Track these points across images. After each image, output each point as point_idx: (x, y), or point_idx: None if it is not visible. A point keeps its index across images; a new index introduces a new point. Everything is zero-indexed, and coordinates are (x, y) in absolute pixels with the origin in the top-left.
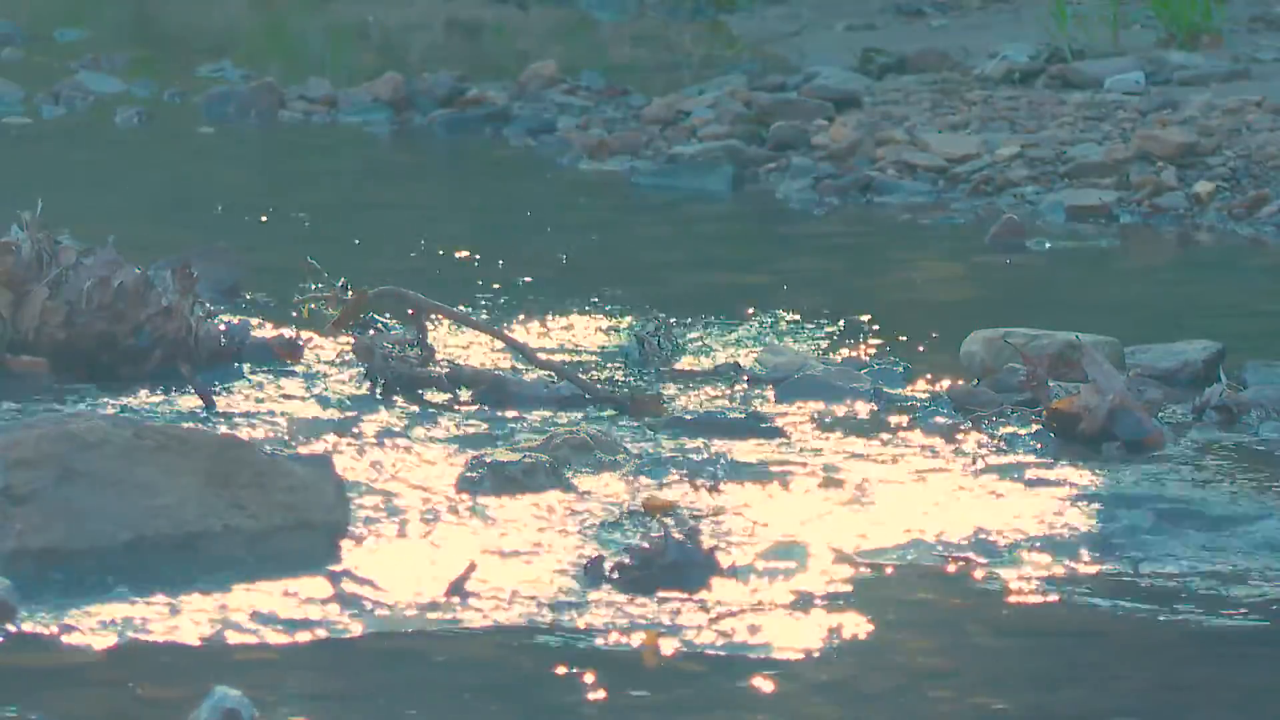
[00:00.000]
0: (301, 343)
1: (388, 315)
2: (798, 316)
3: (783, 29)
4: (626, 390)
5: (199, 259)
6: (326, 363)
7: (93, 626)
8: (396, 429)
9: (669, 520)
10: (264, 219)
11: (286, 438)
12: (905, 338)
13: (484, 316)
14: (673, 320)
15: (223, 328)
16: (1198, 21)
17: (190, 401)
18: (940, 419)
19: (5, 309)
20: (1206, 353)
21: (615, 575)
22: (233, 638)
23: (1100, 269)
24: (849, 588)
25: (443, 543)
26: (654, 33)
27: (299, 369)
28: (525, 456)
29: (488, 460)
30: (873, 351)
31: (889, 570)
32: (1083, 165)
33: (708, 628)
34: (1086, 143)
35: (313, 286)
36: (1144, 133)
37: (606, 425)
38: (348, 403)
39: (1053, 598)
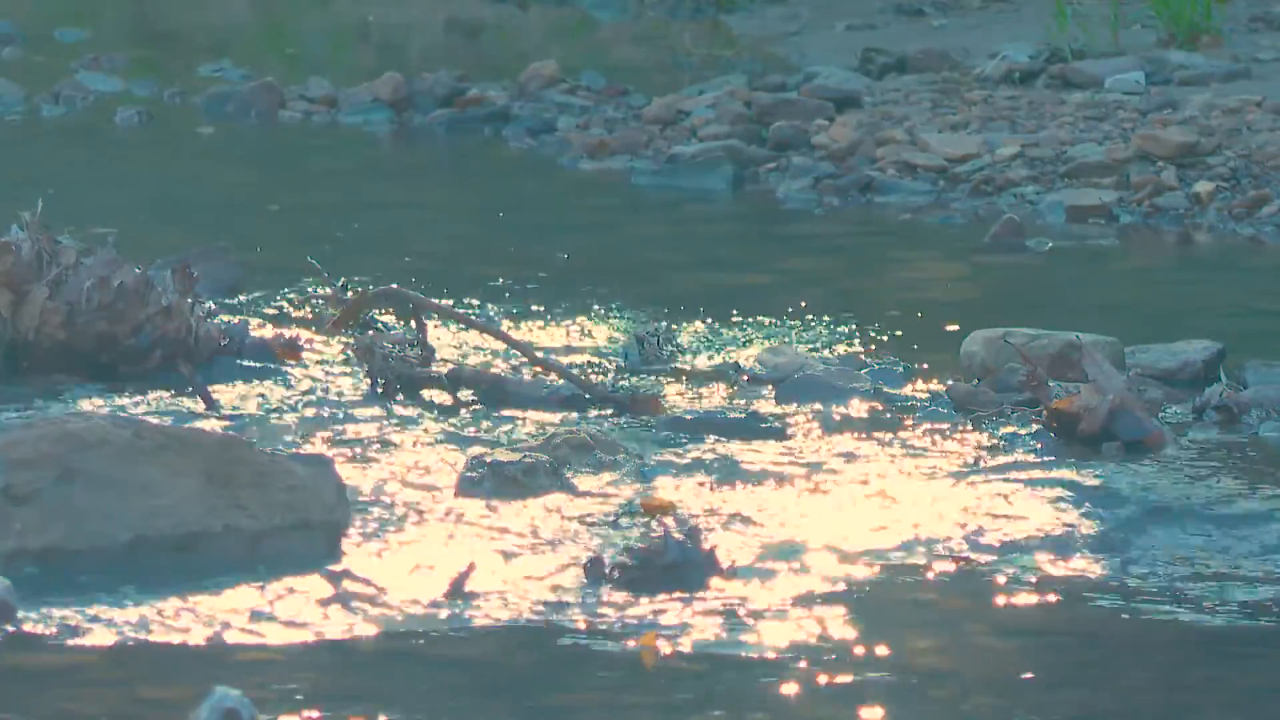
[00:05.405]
0: (301, 343)
1: (389, 314)
2: (798, 316)
3: (783, 29)
4: (626, 390)
5: (199, 259)
6: (326, 363)
7: (93, 626)
8: (396, 429)
9: (669, 520)
10: (272, 211)
11: (286, 437)
12: (905, 338)
13: (484, 316)
14: (673, 320)
15: (223, 328)
16: (1198, 21)
17: (190, 401)
18: (940, 419)
19: (5, 309)
20: (1206, 353)
21: (615, 575)
22: (233, 638)
23: (1100, 269)
24: (849, 588)
25: (443, 543)
26: (654, 33)
27: (299, 369)
28: (525, 456)
29: (488, 460)
30: (873, 351)
31: (889, 570)
32: (1083, 165)
33: (708, 628)
34: (1086, 143)
35: (313, 287)
36: (1144, 133)
37: (606, 425)
38: (348, 403)
39: (1053, 598)
